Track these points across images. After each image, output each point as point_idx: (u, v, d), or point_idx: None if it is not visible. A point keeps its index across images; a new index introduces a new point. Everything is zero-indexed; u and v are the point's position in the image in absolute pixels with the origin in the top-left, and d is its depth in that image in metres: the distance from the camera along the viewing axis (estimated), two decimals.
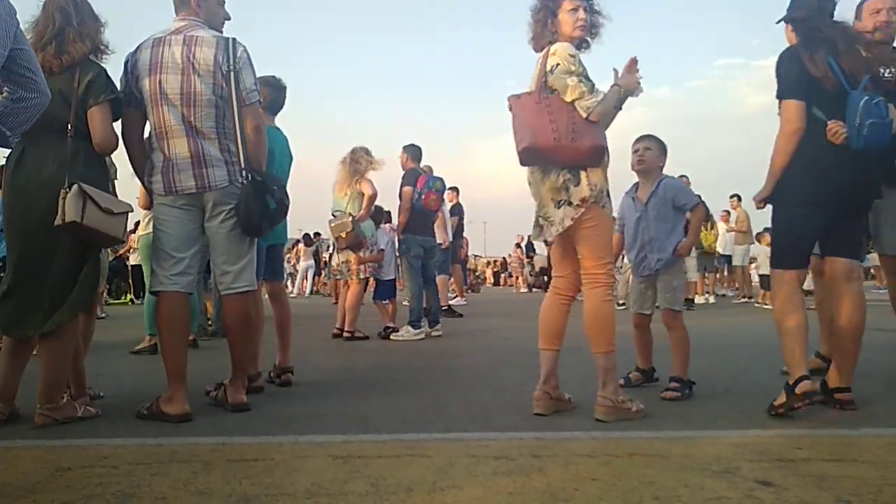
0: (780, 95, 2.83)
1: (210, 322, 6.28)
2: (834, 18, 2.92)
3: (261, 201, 2.93)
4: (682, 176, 7.62)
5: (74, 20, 2.74)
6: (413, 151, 6.53)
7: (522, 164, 2.87)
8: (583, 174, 2.75)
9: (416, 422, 2.76)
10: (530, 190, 2.97)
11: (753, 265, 12.52)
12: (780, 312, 2.84)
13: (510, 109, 2.85)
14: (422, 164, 6.65)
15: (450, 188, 9.16)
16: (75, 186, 2.57)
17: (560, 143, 2.69)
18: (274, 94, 3.79)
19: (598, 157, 2.78)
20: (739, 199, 11.81)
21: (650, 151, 3.39)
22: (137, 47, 2.94)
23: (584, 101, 2.69)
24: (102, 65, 2.84)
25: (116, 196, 3.05)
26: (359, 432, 2.56)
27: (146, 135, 3.00)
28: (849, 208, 2.86)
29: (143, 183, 3.06)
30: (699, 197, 3.61)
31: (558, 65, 2.74)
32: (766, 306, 9.85)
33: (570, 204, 2.76)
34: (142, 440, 2.47)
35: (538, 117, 2.73)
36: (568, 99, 2.71)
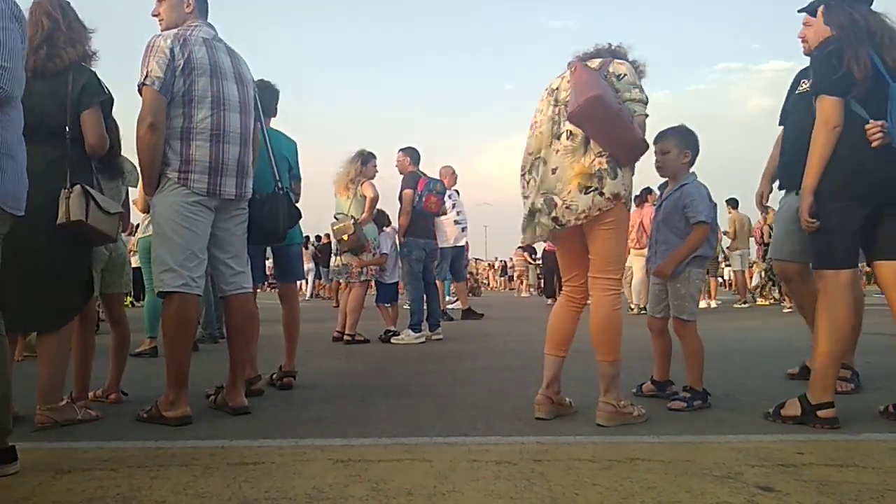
0: (818, 91, 2.67)
1: (220, 328, 6.25)
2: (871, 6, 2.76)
3: (292, 212, 3.31)
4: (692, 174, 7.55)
5: (63, 24, 2.76)
6: (412, 154, 6.54)
7: (576, 119, 2.65)
8: (621, 171, 2.68)
9: (417, 426, 2.75)
10: (534, 177, 2.81)
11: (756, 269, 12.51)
12: (835, 319, 2.64)
13: (573, 71, 2.71)
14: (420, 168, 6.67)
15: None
16: (78, 187, 2.61)
17: (622, 114, 2.61)
18: (267, 97, 3.78)
19: (642, 151, 2.74)
20: (735, 203, 11.75)
21: (667, 155, 3.22)
22: (182, 40, 2.82)
23: (640, 108, 2.67)
24: (93, 69, 2.85)
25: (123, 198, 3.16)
26: (359, 436, 2.56)
27: (176, 130, 2.83)
28: (889, 206, 2.67)
29: (146, 176, 2.85)
30: (714, 211, 3.28)
31: (625, 75, 2.70)
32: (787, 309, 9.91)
33: (600, 194, 2.65)
34: (142, 443, 2.46)
35: (606, 86, 2.64)
36: (626, 98, 2.67)
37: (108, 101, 2.84)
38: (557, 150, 2.75)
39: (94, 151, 2.79)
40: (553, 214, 2.72)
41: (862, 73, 2.56)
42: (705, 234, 3.15)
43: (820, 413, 2.60)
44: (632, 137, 2.65)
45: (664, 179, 3.37)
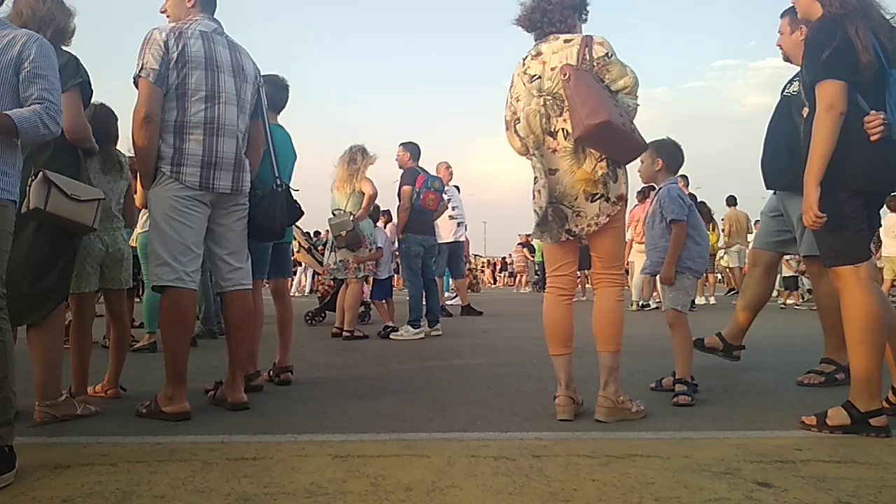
0: (818, 77, 2.43)
1: (220, 323, 6.24)
2: None
3: (292, 209, 3.30)
4: (681, 176, 7.57)
5: (40, 12, 2.70)
6: (412, 149, 6.53)
7: (584, 141, 2.62)
8: (619, 171, 2.71)
9: (416, 421, 2.76)
10: (544, 183, 2.76)
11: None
12: (864, 315, 2.43)
13: (568, 80, 2.60)
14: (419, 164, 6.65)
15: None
16: (40, 174, 2.54)
17: (626, 126, 2.60)
18: (277, 92, 3.81)
19: (641, 153, 2.81)
20: (734, 201, 11.76)
21: (642, 165, 3.39)
22: (178, 33, 2.82)
23: (633, 101, 2.67)
24: (73, 52, 2.78)
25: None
26: (358, 431, 2.56)
27: (170, 123, 2.82)
28: (876, 200, 2.58)
29: (143, 169, 2.84)
30: (691, 207, 3.35)
31: (609, 54, 2.66)
32: (797, 307, 9.98)
33: (607, 200, 2.68)
34: (141, 438, 2.47)
35: (605, 96, 2.59)
36: (620, 86, 2.65)
37: (86, 84, 2.77)
38: (555, 151, 2.72)
39: (70, 135, 2.68)
40: (567, 227, 2.74)
41: (868, 57, 2.37)
42: (683, 230, 3.29)
43: (872, 421, 2.43)
44: (635, 147, 2.70)
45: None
